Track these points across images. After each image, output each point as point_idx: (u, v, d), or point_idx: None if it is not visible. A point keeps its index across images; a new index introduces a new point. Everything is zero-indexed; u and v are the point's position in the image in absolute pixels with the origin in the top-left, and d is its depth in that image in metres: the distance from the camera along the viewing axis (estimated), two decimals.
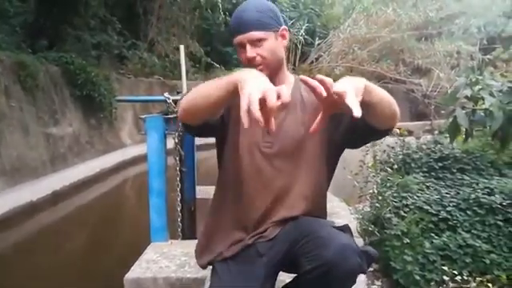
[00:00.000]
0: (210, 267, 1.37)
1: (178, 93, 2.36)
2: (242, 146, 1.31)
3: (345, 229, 1.23)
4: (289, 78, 1.40)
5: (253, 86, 0.97)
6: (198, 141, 2.54)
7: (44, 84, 7.06)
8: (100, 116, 8.57)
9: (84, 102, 8.11)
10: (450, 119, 1.82)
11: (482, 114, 1.81)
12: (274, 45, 1.30)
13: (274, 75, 1.32)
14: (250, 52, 1.28)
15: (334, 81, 1.03)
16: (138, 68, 10.80)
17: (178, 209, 2.20)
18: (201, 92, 1.17)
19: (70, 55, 7.95)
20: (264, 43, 1.28)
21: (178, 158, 2.23)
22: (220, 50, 14.48)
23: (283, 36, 1.34)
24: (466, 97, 1.76)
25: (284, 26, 1.35)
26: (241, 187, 1.31)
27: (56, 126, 7.17)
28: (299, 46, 13.46)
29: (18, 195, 5.50)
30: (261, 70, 1.25)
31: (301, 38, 13.44)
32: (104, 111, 8.57)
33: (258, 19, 1.28)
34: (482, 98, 1.71)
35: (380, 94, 1.15)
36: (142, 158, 5.71)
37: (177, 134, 2.18)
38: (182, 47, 2.53)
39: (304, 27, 13.70)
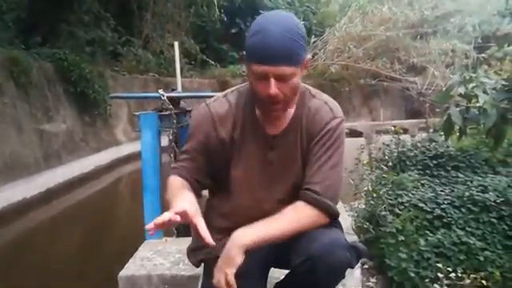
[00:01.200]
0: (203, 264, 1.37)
1: (172, 90, 2.35)
2: (237, 178, 1.27)
3: (335, 224, 1.23)
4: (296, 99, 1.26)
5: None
6: None
7: (37, 80, 7.01)
8: (94, 113, 8.52)
9: (78, 99, 8.07)
10: (445, 117, 1.83)
11: (476, 111, 1.81)
12: (298, 80, 1.15)
13: (285, 111, 1.22)
14: (274, 89, 1.10)
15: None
16: (133, 65, 10.75)
17: None
18: (170, 195, 1.21)
19: (63, 51, 7.90)
20: (290, 79, 1.11)
21: (172, 155, 2.21)
22: (215, 47, 14.45)
23: (305, 66, 1.19)
24: (460, 94, 1.76)
25: (309, 56, 1.21)
26: (235, 199, 1.29)
27: (50, 123, 7.12)
28: None
29: (11, 192, 5.46)
30: (278, 109, 1.17)
31: None
32: (98, 108, 8.53)
33: (291, 50, 1.08)
34: (476, 96, 1.71)
35: (272, 232, 1.15)
36: (136, 156, 5.69)
37: (171, 130, 2.16)
38: (176, 44, 2.52)
39: None
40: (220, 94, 1.32)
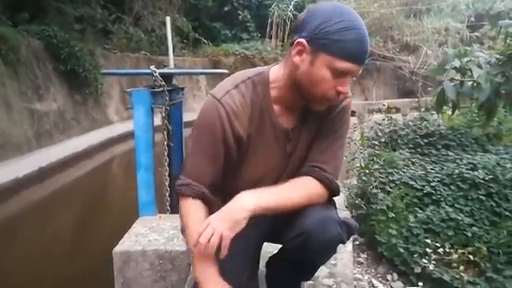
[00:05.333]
0: None
1: (164, 66, 2.32)
2: (255, 172, 1.23)
3: (329, 200, 1.25)
4: None
5: None
6: (186, 117, 2.53)
7: (26, 58, 6.88)
8: (85, 92, 8.41)
9: (68, 77, 7.94)
10: (438, 89, 1.82)
11: (470, 86, 1.81)
12: None
13: None
14: (348, 87, 1.10)
15: None
16: (124, 43, 10.56)
17: (166, 183, 2.19)
18: (185, 226, 1.19)
19: (52, 28, 7.71)
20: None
21: (165, 133, 2.21)
22: (207, 25, 14.22)
23: None
24: (455, 68, 1.76)
25: None
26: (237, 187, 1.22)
27: (40, 102, 7.03)
28: (288, 22, 13.30)
29: (3, 172, 5.42)
30: (327, 104, 1.15)
31: (289, 13, 13.27)
32: (89, 87, 8.41)
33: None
34: (470, 70, 1.71)
35: (280, 200, 1.12)
36: (129, 135, 5.66)
37: (164, 108, 2.15)
38: (168, 19, 2.48)
39: (293, 2, 13.50)
40: (230, 85, 1.17)
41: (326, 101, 1.12)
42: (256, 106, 1.17)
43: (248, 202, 1.08)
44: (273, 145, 1.21)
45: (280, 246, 1.32)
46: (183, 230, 1.40)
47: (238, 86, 1.16)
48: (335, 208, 1.26)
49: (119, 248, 1.79)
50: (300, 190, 1.16)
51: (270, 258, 1.39)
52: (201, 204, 1.18)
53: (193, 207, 1.18)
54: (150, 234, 1.91)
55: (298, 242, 1.15)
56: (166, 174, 2.20)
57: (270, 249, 1.40)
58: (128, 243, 1.82)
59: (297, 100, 1.16)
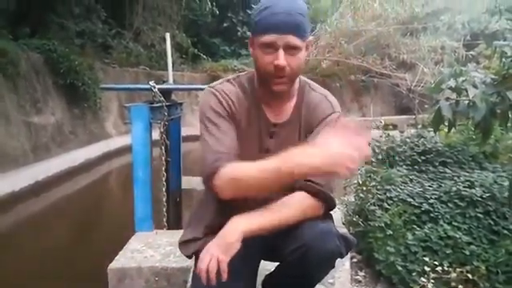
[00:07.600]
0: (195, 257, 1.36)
1: (163, 82, 2.34)
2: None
3: (327, 214, 1.25)
4: (296, 87, 1.29)
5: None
6: (185, 132, 2.54)
7: (26, 72, 6.90)
8: (84, 105, 8.42)
9: (67, 91, 7.96)
10: (435, 108, 1.84)
11: (466, 105, 1.82)
12: (303, 57, 1.20)
13: (289, 89, 1.23)
14: (283, 59, 1.13)
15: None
16: (123, 57, 10.63)
17: (164, 199, 2.18)
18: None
19: (52, 43, 7.77)
20: (297, 53, 1.15)
21: (163, 148, 2.21)
22: (207, 41, 14.37)
23: (307, 48, 1.22)
24: (451, 88, 1.78)
25: (311, 38, 1.26)
26: None
27: (38, 115, 7.03)
28: None
29: None
30: (282, 82, 1.18)
31: None
32: (88, 101, 8.43)
33: (300, 23, 1.14)
34: (466, 90, 1.73)
35: (274, 220, 1.14)
36: (127, 150, 5.65)
37: (162, 123, 2.16)
38: (167, 35, 2.50)
39: None
40: (222, 80, 1.32)
41: (270, 77, 1.18)
42: (246, 97, 1.26)
43: (238, 225, 1.11)
44: (253, 136, 1.26)
45: (277, 264, 1.31)
46: (181, 245, 1.40)
47: (229, 80, 1.30)
48: (333, 222, 1.25)
49: (114, 264, 1.77)
50: (293, 205, 1.16)
51: (266, 276, 1.38)
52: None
53: (239, 164, 1.14)
54: (146, 251, 1.89)
55: (298, 255, 1.14)
56: (164, 189, 2.19)
57: (267, 267, 1.38)
58: (123, 260, 1.81)
59: (266, 92, 1.24)
